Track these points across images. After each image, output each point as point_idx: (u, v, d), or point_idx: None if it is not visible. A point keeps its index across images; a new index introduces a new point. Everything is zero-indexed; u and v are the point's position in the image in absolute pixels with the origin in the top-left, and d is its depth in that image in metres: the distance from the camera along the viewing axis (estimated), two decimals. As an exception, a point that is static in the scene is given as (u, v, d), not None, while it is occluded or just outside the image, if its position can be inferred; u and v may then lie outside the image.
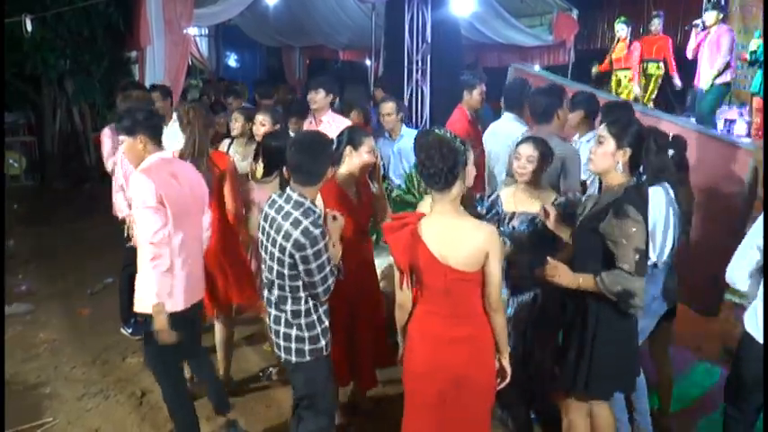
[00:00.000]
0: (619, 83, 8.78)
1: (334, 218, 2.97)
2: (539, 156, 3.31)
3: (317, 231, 2.73)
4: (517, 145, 3.42)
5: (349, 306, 3.51)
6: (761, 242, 2.83)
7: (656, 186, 3.28)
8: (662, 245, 3.26)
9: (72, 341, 4.99)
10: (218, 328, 4.25)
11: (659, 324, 3.56)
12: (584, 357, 2.89)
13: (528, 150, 3.32)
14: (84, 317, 5.43)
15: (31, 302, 5.65)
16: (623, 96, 8.56)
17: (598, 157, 2.86)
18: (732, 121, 8.72)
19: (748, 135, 7.99)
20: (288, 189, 2.88)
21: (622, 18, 8.91)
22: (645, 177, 2.92)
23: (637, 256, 2.68)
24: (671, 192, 3.30)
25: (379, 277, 3.98)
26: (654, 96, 9.15)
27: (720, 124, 8.76)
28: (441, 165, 2.48)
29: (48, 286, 6.07)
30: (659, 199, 3.24)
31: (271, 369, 4.48)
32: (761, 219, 2.89)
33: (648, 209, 2.88)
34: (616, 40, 9.05)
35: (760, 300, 2.90)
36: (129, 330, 5.07)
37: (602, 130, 2.88)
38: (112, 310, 5.28)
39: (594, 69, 9.44)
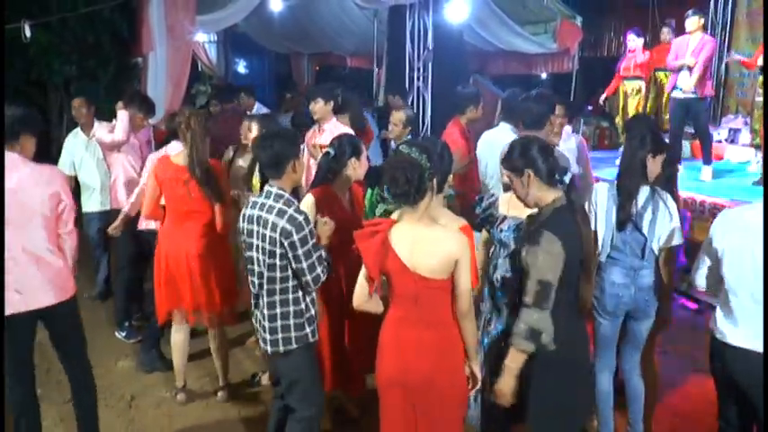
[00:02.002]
0: (625, 95, 8.62)
1: (325, 222, 3.18)
2: None
3: (300, 218, 2.89)
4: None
5: (340, 310, 3.53)
6: (710, 248, 2.81)
7: (602, 182, 3.33)
8: (603, 242, 3.28)
9: (66, 344, 4.99)
10: (211, 335, 4.26)
11: (630, 328, 3.46)
12: (527, 394, 2.81)
13: None
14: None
15: (29, 305, 5.67)
16: (630, 110, 8.46)
17: (515, 192, 2.88)
18: (737, 131, 8.64)
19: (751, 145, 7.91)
20: (267, 186, 3.02)
21: (632, 29, 8.81)
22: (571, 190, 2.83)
23: (538, 287, 2.60)
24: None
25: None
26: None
27: (725, 133, 8.68)
28: (406, 187, 2.54)
29: (46, 289, 6.08)
30: (602, 195, 3.29)
31: (260, 374, 4.47)
32: (716, 224, 2.84)
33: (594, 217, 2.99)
34: (627, 50, 8.87)
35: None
36: (123, 334, 5.09)
37: (504, 174, 2.92)
38: (109, 315, 5.30)
39: (602, 98, 9.03)
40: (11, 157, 3.17)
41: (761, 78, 7.20)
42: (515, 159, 2.79)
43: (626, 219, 3.24)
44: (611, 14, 12.22)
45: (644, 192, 3.27)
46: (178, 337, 4.16)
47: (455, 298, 2.63)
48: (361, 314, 3.52)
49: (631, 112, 8.39)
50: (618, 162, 3.53)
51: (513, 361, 2.70)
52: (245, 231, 3.04)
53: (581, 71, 11.13)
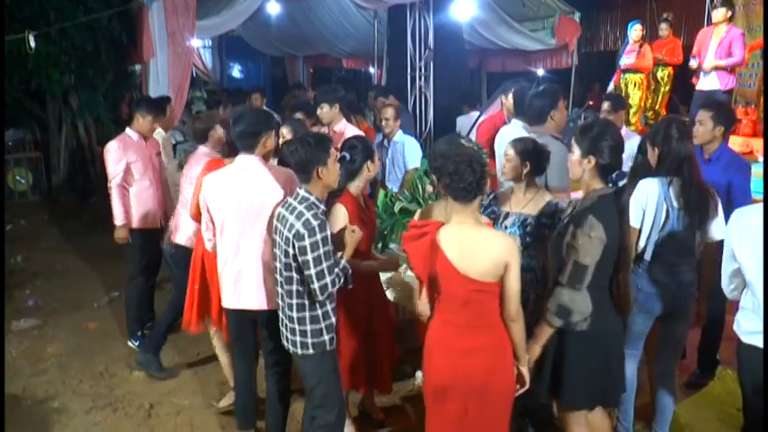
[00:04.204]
0: (626, 88, 8.62)
1: (354, 231, 3.10)
2: (515, 155, 3.32)
3: (315, 223, 2.83)
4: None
5: (367, 311, 3.56)
6: (730, 252, 2.70)
7: (651, 178, 3.28)
8: (648, 239, 3.24)
9: (80, 355, 4.98)
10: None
11: (668, 329, 3.43)
12: (558, 370, 2.90)
13: (507, 149, 3.39)
14: (90, 330, 5.43)
15: (39, 317, 5.64)
16: (632, 102, 8.47)
17: (570, 164, 2.94)
18: (738, 121, 8.63)
19: (754, 135, 7.92)
20: (297, 188, 3.02)
21: (636, 20, 8.81)
22: (623, 184, 2.88)
23: (572, 268, 2.70)
24: (670, 186, 3.23)
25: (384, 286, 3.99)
26: (667, 100, 9.03)
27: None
28: (471, 179, 2.51)
29: (55, 301, 6.07)
30: (652, 191, 3.23)
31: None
32: (731, 225, 2.73)
33: (632, 210, 2.99)
34: (625, 42, 8.87)
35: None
36: (137, 343, 5.05)
37: (573, 139, 2.94)
38: (119, 324, 5.28)
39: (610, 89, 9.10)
40: (247, 160, 3.31)
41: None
42: (586, 141, 2.83)
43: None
44: (608, 9, 12.19)
45: None
46: (220, 339, 4.12)
47: (504, 301, 2.61)
48: (383, 313, 3.63)
49: (634, 105, 8.39)
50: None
51: (541, 334, 2.83)
52: (274, 228, 3.04)
53: (578, 67, 11.14)
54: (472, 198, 2.57)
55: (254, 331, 3.58)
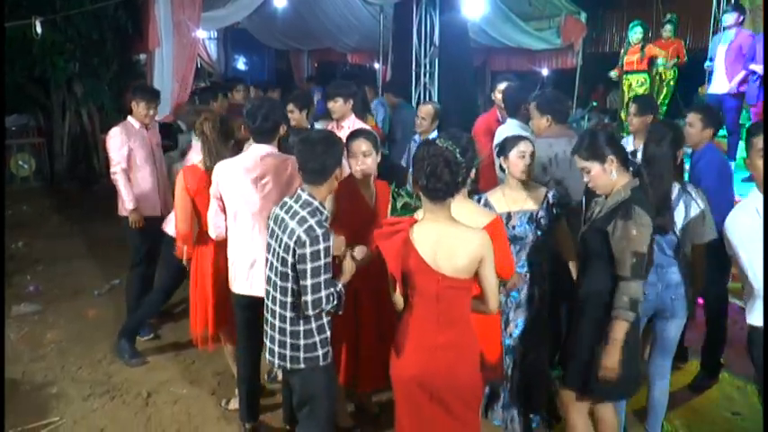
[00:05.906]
0: (630, 86, 8.66)
1: (354, 258, 2.98)
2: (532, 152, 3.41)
3: (319, 231, 2.69)
4: (514, 146, 3.42)
5: (354, 305, 3.49)
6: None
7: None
8: None
9: (79, 342, 5.00)
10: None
11: (659, 330, 3.46)
12: (592, 361, 2.88)
13: (530, 147, 3.41)
14: (90, 317, 5.45)
15: (40, 303, 5.67)
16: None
17: (594, 181, 2.92)
18: (742, 126, 8.65)
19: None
20: (299, 189, 2.89)
21: (637, 21, 8.82)
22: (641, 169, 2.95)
23: (634, 260, 2.73)
24: None
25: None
26: (668, 101, 9.04)
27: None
28: (448, 179, 2.48)
29: (56, 287, 6.09)
30: None
31: (276, 371, 4.46)
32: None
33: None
34: (627, 43, 8.89)
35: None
36: (136, 331, 5.07)
37: (579, 163, 2.95)
38: (119, 312, 5.29)
39: (613, 73, 9.20)
40: (263, 149, 3.38)
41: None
42: (600, 147, 2.87)
43: (665, 224, 3.24)
44: (613, 10, 12.18)
45: (674, 190, 3.28)
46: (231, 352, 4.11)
47: (485, 296, 2.61)
48: (376, 308, 3.57)
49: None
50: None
51: (618, 332, 2.78)
52: (270, 231, 2.92)
53: (583, 67, 11.13)
54: (448, 197, 2.54)
55: (261, 319, 3.57)
